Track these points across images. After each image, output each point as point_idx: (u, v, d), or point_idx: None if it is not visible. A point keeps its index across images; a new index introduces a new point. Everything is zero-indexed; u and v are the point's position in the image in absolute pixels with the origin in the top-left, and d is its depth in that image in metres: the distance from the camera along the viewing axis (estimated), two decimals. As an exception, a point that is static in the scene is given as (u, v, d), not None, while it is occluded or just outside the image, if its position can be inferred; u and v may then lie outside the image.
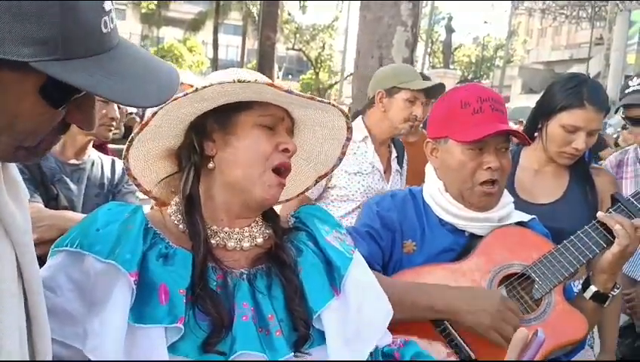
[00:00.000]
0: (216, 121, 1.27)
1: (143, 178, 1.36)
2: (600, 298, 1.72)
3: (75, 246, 1.16)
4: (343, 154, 1.42)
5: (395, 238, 1.79)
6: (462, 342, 1.62)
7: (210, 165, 1.27)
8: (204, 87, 1.19)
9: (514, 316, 1.59)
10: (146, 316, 1.10)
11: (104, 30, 0.79)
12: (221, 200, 1.28)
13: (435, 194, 1.81)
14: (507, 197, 1.83)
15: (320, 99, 1.31)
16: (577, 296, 1.76)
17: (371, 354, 1.30)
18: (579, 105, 2.11)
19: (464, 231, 1.78)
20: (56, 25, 0.73)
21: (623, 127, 7.95)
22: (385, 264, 1.79)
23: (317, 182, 1.49)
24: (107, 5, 0.80)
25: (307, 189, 1.50)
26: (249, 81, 1.19)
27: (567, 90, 2.16)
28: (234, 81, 1.18)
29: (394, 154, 3.21)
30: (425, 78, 3.23)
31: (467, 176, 1.73)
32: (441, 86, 3.06)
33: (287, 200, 1.49)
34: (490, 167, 1.70)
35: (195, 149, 1.27)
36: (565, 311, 1.69)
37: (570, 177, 2.26)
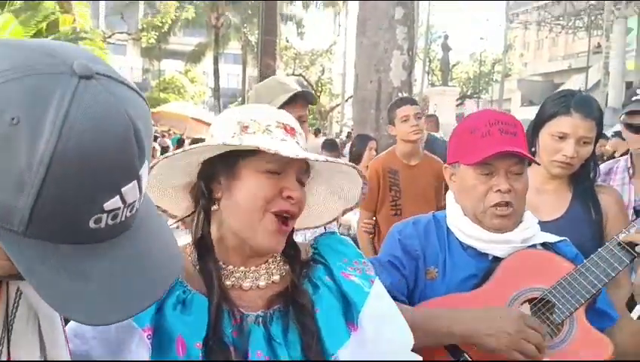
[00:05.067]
0: (223, 164, 1.25)
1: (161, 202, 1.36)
2: None
3: None
4: (365, 194, 1.40)
5: (418, 266, 1.79)
6: None
7: (215, 207, 1.27)
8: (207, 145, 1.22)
9: (536, 334, 1.54)
10: None
11: (92, 226, 0.72)
12: (231, 242, 1.27)
13: (455, 218, 1.83)
14: (530, 219, 1.82)
15: (333, 160, 1.32)
16: (623, 317, 1.70)
17: None
18: (565, 112, 2.16)
19: (487, 254, 1.77)
20: (31, 202, 0.67)
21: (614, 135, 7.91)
22: (410, 292, 1.79)
23: (344, 213, 1.47)
24: (111, 204, 0.72)
25: (335, 219, 1.48)
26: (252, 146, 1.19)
27: (556, 101, 2.23)
28: (229, 143, 1.20)
29: None
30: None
31: (479, 199, 1.74)
32: (300, 93, 2.63)
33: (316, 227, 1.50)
34: (499, 190, 1.71)
35: (203, 193, 1.27)
36: (587, 335, 1.65)
37: (573, 194, 2.26)
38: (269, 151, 1.16)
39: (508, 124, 1.75)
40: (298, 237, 1.40)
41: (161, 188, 1.33)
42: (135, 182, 0.74)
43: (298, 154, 1.20)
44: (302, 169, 1.27)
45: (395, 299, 1.72)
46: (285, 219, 1.25)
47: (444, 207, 1.93)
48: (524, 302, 1.69)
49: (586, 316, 1.68)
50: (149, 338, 1.12)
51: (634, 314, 1.68)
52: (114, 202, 0.72)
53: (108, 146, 0.69)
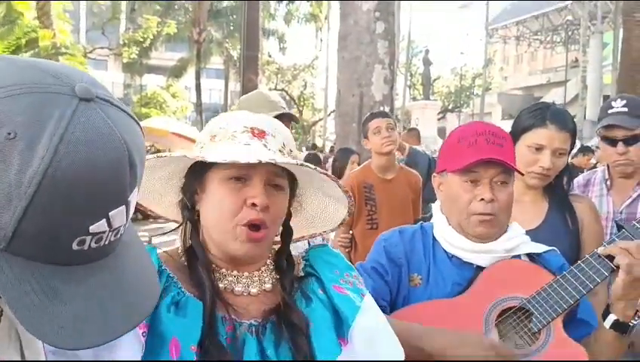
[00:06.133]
0: (194, 176, 1.28)
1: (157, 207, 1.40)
2: (620, 327, 1.64)
3: None
4: (350, 196, 1.38)
5: (401, 273, 1.82)
6: None
7: (198, 218, 1.29)
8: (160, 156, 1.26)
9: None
10: None
11: (75, 247, 0.72)
12: (215, 250, 1.28)
13: (441, 228, 1.85)
14: (516, 230, 1.84)
15: (301, 163, 1.25)
16: (598, 326, 1.71)
17: None
18: (541, 124, 2.21)
19: (471, 264, 1.79)
20: (16, 220, 0.67)
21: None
22: (393, 298, 1.81)
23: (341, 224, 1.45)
24: (97, 227, 0.72)
25: (343, 220, 1.45)
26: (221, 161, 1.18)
27: (531, 113, 2.27)
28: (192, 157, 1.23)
29: None
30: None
31: (462, 207, 1.77)
32: (285, 114, 2.78)
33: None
34: (483, 199, 1.72)
35: (186, 204, 1.30)
36: (563, 344, 1.66)
37: (549, 205, 2.29)
38: (203, 159, 1.19)
39: (495, 135, 1.77)
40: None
41: (155, 200, 1.37)
42: (123, 207, 0.74)
43: (238, 160, 1.16)
44: (272, 172, 1.24)
45: (376, 303, 1.75)
46: (255, 227, 1.23)
47: (422, 219, 1.96)
48: (503, 310, 1.71)
49: (565, 326, 1.70)
50: (144, 336, 1.12)
51: (606, 323, 1.66)
52: (100, 225, 0.72)
53: (101, 169, 0.69)
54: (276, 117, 2.62)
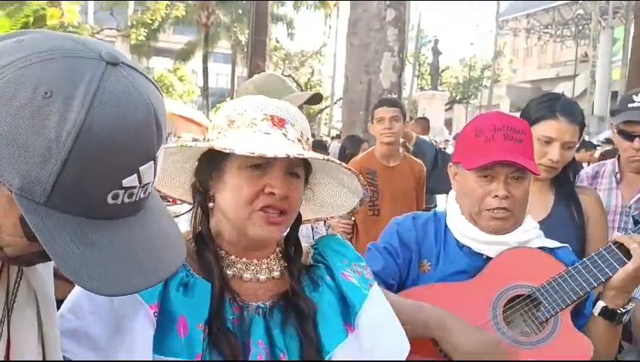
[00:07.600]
0: (212, 161, 1.27)
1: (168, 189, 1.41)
2: (609, 315, 1.65)
3: None
4: (364, 185, 1.38)
5: (412, 257, 1.83)
6: None
7: (211, 204, 1.29)
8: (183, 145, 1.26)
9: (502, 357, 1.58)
10: (165, 348, 1.13)
11: (110, 201, 0.76)
12: (229, 236, 1.29)
13: (454, 217, 1.85)
14: (529, 223, 1.83)
15: (327, 158, 1.27)
16: (591, 317, 1.70)
17: None
18: (551, 116, 2.19)
19: (482, 254, 1.79)
20: (55, 173, 0.72)
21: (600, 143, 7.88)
22: (402, 281, 1.83)
23: (362, 204, 1.46)
24: (129, 182, 0.77)
25: (354, 209, 1.47)
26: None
27: (541, 104, 2.25)
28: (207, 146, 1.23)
29: None
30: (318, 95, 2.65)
31: (476, 202, 1.76)
32: (315, 97, 2.67)
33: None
34: (497, 195, 1.71)
35: (198, 189, 1.30)
36: (570, 334, 1.66)
37: (556, 197, 2.29)
38: (232, 152, 1.17)
39: (514, 130, 1.74)
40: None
41: (168, 184, 1.38)
42: (152, 162, 0.79)
43: (265, 153, 1.15)
44: (291, 162, 1.24)
45: (384, 282, 1.75)
46: (274, 211, 1.23)
47: (425, 209, 1.96)
48: (512, 297, 1.71)
49: (573, 318, 1.69)
50: (155, 316, 1.14)
51: (595, 310, 1.67)
52: (131, 180, 0.77)
53: (131, 125, 0.75)
54: (309, 98, 2.57)
